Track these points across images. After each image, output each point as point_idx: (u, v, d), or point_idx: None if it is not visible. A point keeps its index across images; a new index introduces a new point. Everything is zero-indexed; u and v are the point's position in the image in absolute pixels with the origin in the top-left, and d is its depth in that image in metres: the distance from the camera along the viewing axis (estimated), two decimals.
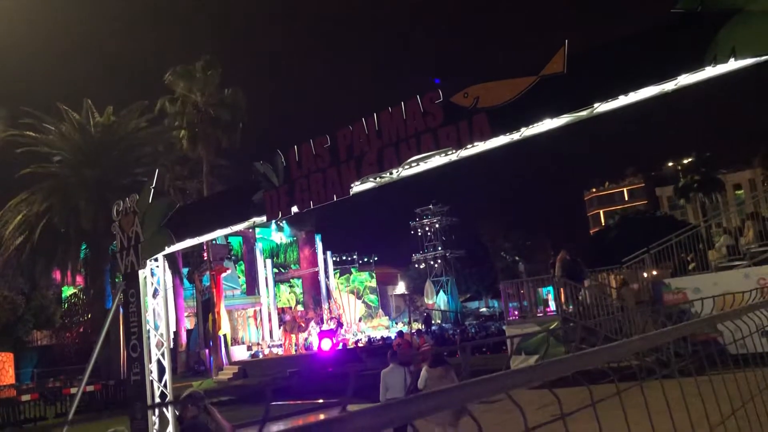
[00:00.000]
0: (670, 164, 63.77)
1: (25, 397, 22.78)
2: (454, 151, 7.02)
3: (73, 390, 22.41)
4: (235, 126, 38.05)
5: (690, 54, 5.52)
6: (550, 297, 22.13)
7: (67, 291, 41.65)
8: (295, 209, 8.23)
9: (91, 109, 32.34)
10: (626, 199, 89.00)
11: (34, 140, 31.50)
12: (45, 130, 31.67)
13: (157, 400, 10.01)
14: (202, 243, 36.09)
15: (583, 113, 6.39)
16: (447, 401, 1.09)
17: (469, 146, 6.89)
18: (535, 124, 6.55)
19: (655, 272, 20.45)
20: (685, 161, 53.89)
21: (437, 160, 7.36)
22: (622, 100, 6.11)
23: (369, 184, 7.90)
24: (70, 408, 11.44)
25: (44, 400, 22.45)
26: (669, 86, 5.86)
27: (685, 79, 5.76)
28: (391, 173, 7.60)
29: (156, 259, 10.34)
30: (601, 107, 6.26)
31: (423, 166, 7.53)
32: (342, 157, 7.72)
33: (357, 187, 7.88)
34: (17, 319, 34.87)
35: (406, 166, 7.41)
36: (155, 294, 10.64)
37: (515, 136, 6.79)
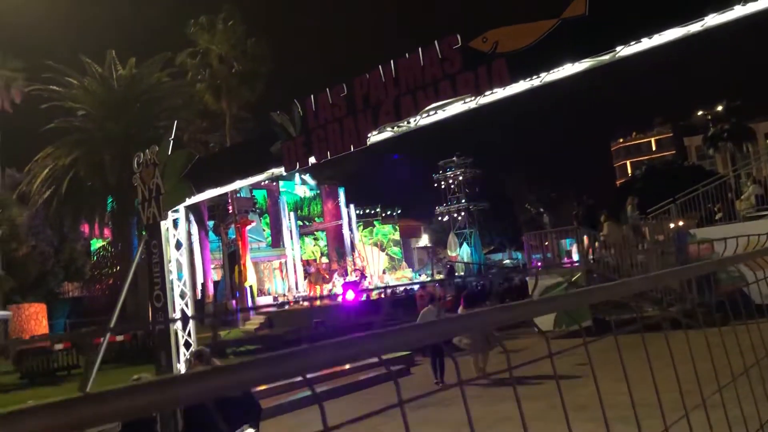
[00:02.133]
0: (700, 113, 62.28)
1: (58, 346, 23.43)
2: (472, 98, 6.88)
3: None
4: (259, 77, 37.84)
5: None
6: (574, 248, 22.04)
7: (96, 244, 42.39)
8: (312, 160, 8.19)
9: (114, 61, 32.34)
10: (654, 149, 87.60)
11: (57, 94, 31.68)
12: (68, 84, 31.80)
13: (182, 348, 10.22)
14: (227, 196, 36.44)
15: (606, 57, 6.19)
16: (471, 324, 1.22)
17: (488, 93, 6.74)
18: (556, 69, 6.37)
19: (681, 222, 20.20)
20: (716, 110, 52.57)
21: (456, 108, 7.23)
22: (646, 43, 5.90)
23: (386, 134, 7.81)
24: (99, 356, 11.75)
25: (76, 349, 23.06)
26: (695, 27, 5.64)
27: (713, 20, 5.53)
28: (408, 122, 7.50)
29: (177, 211, 10.42)
30: (623, 51, 6.06)
31: (441, 115, 7.40)
32: (359, 106, 7.63)
33: (374, 137, 7.79)
34: (48, 270, 35.68)
35: (424, 115, 7.29)
36: (178, 245, 10.76)
37: (535, 81, 6.62)
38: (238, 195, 37.44)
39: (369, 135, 7.68)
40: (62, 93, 31.68)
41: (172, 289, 10.37)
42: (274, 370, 0.85)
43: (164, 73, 33.34)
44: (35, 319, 31.41)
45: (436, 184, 61.56)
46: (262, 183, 42.82)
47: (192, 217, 35.34)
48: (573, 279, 18.98)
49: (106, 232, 36.32)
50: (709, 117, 52.38)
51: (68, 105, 31.72)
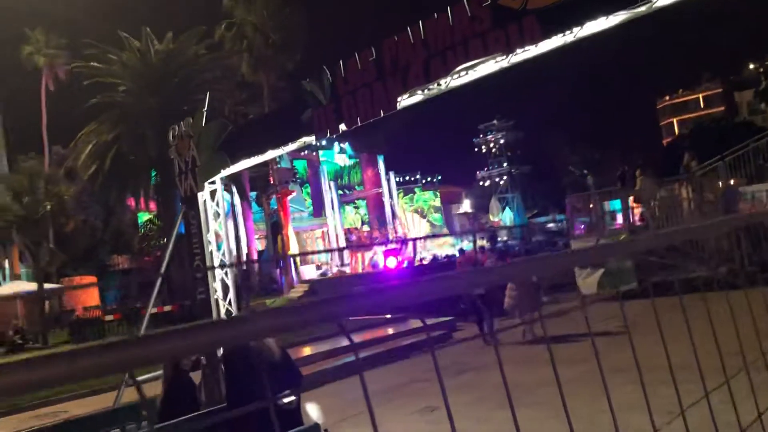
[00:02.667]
0: (751, 66, 59.93)
1: (109, 317, 24.21)
2: (504, 56, 6.68)
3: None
4: (295, 47, 37.78)
5: None
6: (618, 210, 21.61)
7: (143, 217, 43.32)
8: (343, 127, 8.11)
9: (150, 36, 32.61)
10: (702, 106, 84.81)
11: (98, 71, 32.16)
12: (108, 60, 32.23)
13: (223, 317, 10.39)
14: (268, 167, 36.72)
15: (642, 8, 5.91)
16: (515, 273, 1.22)
17: (519, 51, 6.54)
18: (589, 24, 6.12)
19: (731, 181, 19.58)
20: None
21: (487, 68, 7.03)
22: None
23: (417, 97, 7.67)
24: (145, 326, 12.05)
25: (126, 320, 23.78)
26: None
27: None
28: (439, 84, 7.34)
29: (214, 182, 10.49)
30: (660, 1, 5.78)
31: (472, 75, 7.22)
32: (388, 69, 7.49)
33: (405, 101, 7.66)
34: (97, 243, 36.65)
35: (455, 76, 7.12)
36: (216, 216, 10.85)
37: (568, 37, 6.38)
38: (279, 166, 37.70)
39: (399, 99, 7.56)
40: (102, 69, 32.15)
41: (212, 260, 10.50)
42: (311, 314, 0.88)
43: (201, 46, 33.51)
44: (87, 290, 32.43)
45: (476, 149, 60.98)
46: (302, 153, 43.01)
47: (234, 189, 35.78)
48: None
49: (152, 205, 37.07)
50: (762, 70, 50.32)
51: (109, 81, 32.20)
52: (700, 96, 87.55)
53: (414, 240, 38.44)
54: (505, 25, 6.45)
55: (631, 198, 19.98)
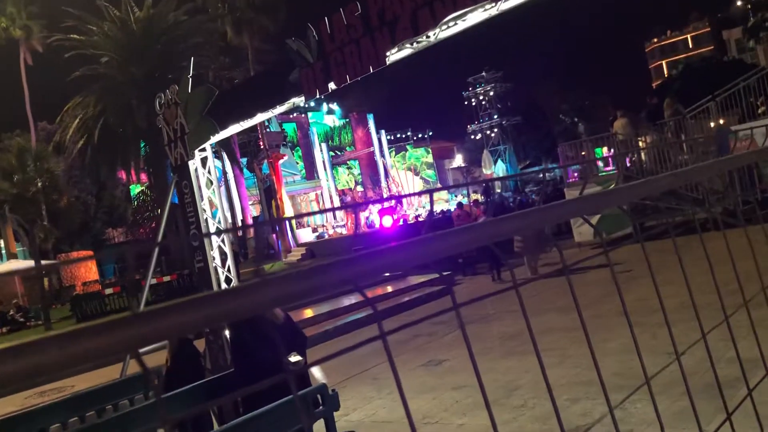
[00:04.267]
0: (739, 3, 59.23)
1: (108, 291, 24.24)
2: (493, 3, 6.54)
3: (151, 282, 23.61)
4: (278, 7, 37.11)
5: None
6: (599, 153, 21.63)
7: (135, 189, 43.10)
8: (332, 85, 7.98)
9: (129, 3, 31.95)
10: (691, 46, 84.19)
11: (79, 43, 31.59)
12: (89, 31, 31.62)
13: (223, 285, 10.37)
14: (257, 132, 36.42)
15: None
16: (520, 224, 1.20)
17: None
18: None
19: (721, 121, 19.52)
20: None
21: (476, 16, 6.89)
22: None
23: (406, 51, 7.53)
24: (145, 297, 12.07)
25: (126, 292, 23.82)
26: None
27: None
28: (428, 36, 7.19)
29: (204, 149, 10.37)
30: None
31: (461, 25, 7.07)
32: (374, 24, 7.33)
33: (394, 56, 7.52)
34: (90, 218, 36.51)
35: (444, 27, 6.98)
36: (209, 184, 10.77)
37: None
38: (268, 130, 37.40)
39: (388, 54, 7.42)
40: (84, 41, 31.57)
41: (208, 228, 10.45)
42: (324, 278, 0.84)
43: (182, 11, 32.87)
44: (85, 265, 32.40)
45: (466, 102, 60.53)
46: (291, 116, 42.63)
47: (225, 155, 35.54)
48: (610, 187, 18.64)
49: (144, 176, 36.83)
50: (749, 6, 49.74)
51: (90, 52, 31.66)
52: (689, 36, 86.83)
53: (406, 196, 38.47)
54: None
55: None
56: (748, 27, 47.58)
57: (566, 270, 1.30)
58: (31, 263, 28.82)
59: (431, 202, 1.24)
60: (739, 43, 63.39)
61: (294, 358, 5.51)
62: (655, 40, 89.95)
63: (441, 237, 1.03)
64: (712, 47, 75.18)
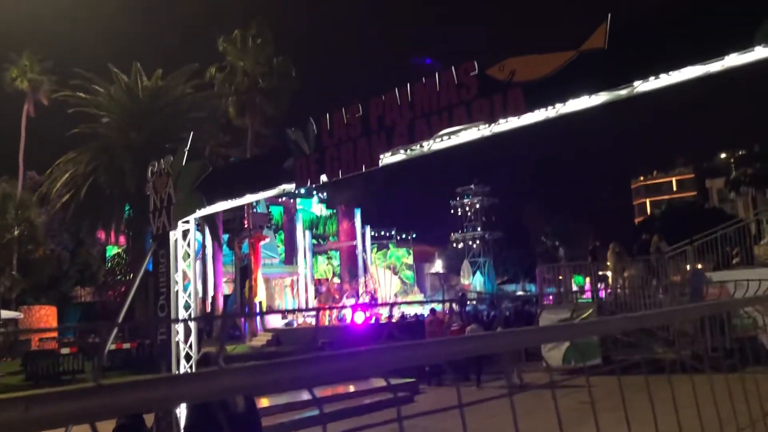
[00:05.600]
0: (723, 156, 61.77)
1: (65, 350, 23.50)
2: (487, 125, 6.83)
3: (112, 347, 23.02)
4: (283, 95, 38.17)
5: (739, 33, 5.21)
6: (586, 284, 21.82)
7: (111, 250, 42.68)
8: (324, 178, 8.16)
9: (139, 72, 32.79)
10: (674, 189, 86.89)
11: (84, 101, 32.16)
12: (95, 91, 32.27)
13: (182, 360, 10.15)
14: (243, 211, 36.57)
15: (623, 92, 6.12)
16: (481, 346, 1.20)
17: (502, 121, 6.69)
18: (572, 101, 6.31)
19: (699, 265, 19.91)
20: (739, 154, 52.09)
21: (470, 134, 7.18)
22: (664, 80, 5.82)
23: (399, 156, 7.77)
24: (103, 362, 11.74)
25: (83, 354, 23.12)
26: (715, 67, 5.56)
27: (733, 60, 5.44)
28: (421, 145, 7.46)
29: (188, 222, 10.41)
30: (641, 86, 5.98)
31: (455, 140, 7.35)
32: (373, 127, 7.60)
33: (387, 159, 7.75)
34: (62, 273, 35.89)
35: (438, 139, 7.25)
36: (186, 256, 10.74)
37: (551, 112, 6.55)
38: (255, 210, 37.59)
39: (382, 156, 7.65)
40: (88, 100, 32.14)
41: (177, 301, 10.33)
42: (282, 374, 0.88)
43: (189, 85, 33.74)
44: (45, 321, 31.59)
45: (452, 210, 61.46)
46: (280, 199, 42.99)
47: (207, 229, 35.50)
48: (584, 315, 18.70)
49: (122, 239, 36.56)
50: (732, 160, 51.86)
51: (93, 111, 32.16)
52: (674, 179, 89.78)
53: (392, 305, 38.30)
54: (491, 95, 6.61)
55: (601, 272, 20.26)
56: (731, 179, 49.36)
57: (553, 386, 1.34)
58: None
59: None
60: (721, 193, 65.55)
61: None
62: (642, 178, 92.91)
63: (407, 347, 1.06)
64: (695, 193, 77.66)
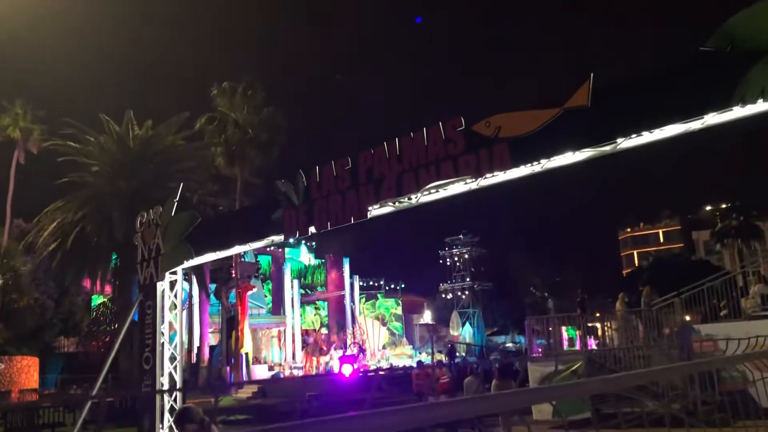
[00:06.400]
0: (708, 208, 62.53)
1: (46, 403, 23.00)
2: (473, 179, 6.93)
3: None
4: (273, 146, 38.43)
5: (718, 93, 5.37)
6: (576, 336, 21.76)
7: (97, 300, 42.18)
8: (312, 229, 8.21)
9: (131, 121, 33.00)
10: (661, 241, 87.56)
11: (74, 150, 32.22)
12: (85, 140, 32.38)
13: (167, 414, 9.98)
14: (231, 260, 36.39)
15: (607, 148, 6.26)
16: (471, 408, 1.23)
17: (488, 175, 6.79)
18: (557, 157, 6.43)
19: (687, 317, 19.90)
20: (723, 206, 52.78)
21: (457, 188, 7.28)
22: (647, 137, 5.97)
23: (387, 209, 7.85)
24: (84, 415, 11.52)
25: (64, 407, 22.61)
26: (695, 125, 5.71)
27: (713, 119, 5.59)
28: (409, 198, 7.54)
29: (175, 272, 10.38)
30: (625, 143, 6.12)
31: (442, 193, 7.45)
32: (362, 179, 7.70)
33: (375, 211, 7.83)
34: (45, 323, 35.36)
35: (425, 192, 7.34)
36: (173, 307, 10.66)
37: (536, 167, 6.68)
38: (243, 260, 37.41)
39: (370, 208, 7.72)
40: (78, 148, 32.21)
41: (162, 352, 10.22)
42: None
43: (179, 135, 33.95)
44: (27, 372, 30.96)
45: (441, 260, 61.43)
46: (268, 248, 42.86)
47: (194, 279, 35.24)
48: (574, 368, 18.57)
49: (108, 288, 36.18)
50: (717, 213, 52.48)
51: (82, 160, 32.21)
52: (660, 231, 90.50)
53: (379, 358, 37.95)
54: (477, 151, 6.74)
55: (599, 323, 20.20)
56: (716, 231, 49.85)
57: None
58: None
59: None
60: (707, 245, 66.07)
61: None
62: (629, 229, 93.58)
63: (399, 412, 1.06)
64: (681, 245, 78.21)
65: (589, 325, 22.51)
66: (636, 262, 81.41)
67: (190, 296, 37.75)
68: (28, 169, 45.65)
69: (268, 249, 43.10)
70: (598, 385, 1.51)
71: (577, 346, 21.65)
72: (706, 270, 31.10)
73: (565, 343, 22.02)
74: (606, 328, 19.69)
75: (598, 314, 20.75)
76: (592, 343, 21.45)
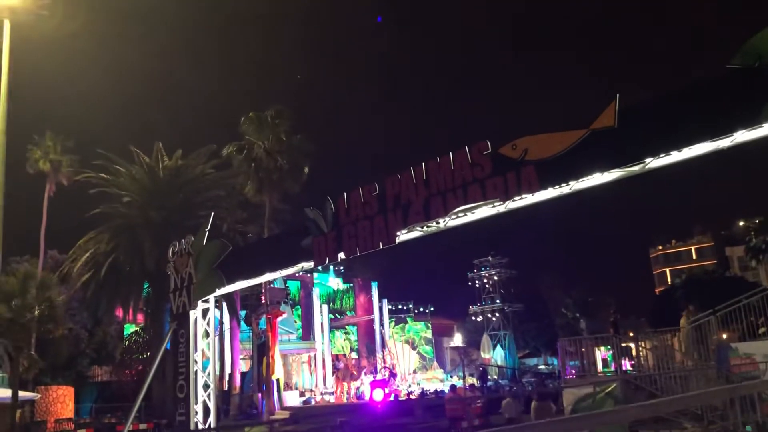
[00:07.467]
0: (741, 223, 61.38)
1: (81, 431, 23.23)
2: (501, 202, 6.94)
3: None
4: (301, 172, 38.73)
5: (746, 110, 5.33)
6: (609, 357, 21.37)
7: (129, 328, 42.62)
8: (342, 255, 8.26)
9: (161, 152, 33.59)
10: (694, 258, 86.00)
11: (105, 181, 32.86)
12: (116, 171, 33.01)
13: None
14: (261, 286, 36.60)
15: (635, 168, 6.23)
16: None
17: (516, 198, 6.79)
18: (585, 178, 6.42)
19: (725, 335, 19.50)
20: (757, 221, 51.77)
21: (484, 211, 7.29)
22: (675, 156, 5.93)
23: (415, 233, 7.88)
24: None
25: None
26: (725, 143, 5.67)
27: (742, 136, 5.55)
28: (437, 222, 7.57)
29: (207, 301, 10.49)
30: (653, 163, 6.09)
31: (470, 217, 7.46)
32: (389, 205, 7.75)
33: (403, 236, 7.86)
34: (79, 353, 35.78)
35: (453, 216, 7.36)
36: (206, 335, 10.76)
37: (564, 189, 6.66)
38: (272, 285, 37.57)
39: (398, 233, 7.75)
40: (109, 180, 32.84)
41: (196, 380, 10.29)
42: None
43: (208, 164, 34.43)
44: (62, 402, 31.28)
45: (470, 283, 60.95)
46: (296, 274, 43.04)
47: (225, 306, 35.47)
48: (608, 390, 18.24)
49: (140, 317, 36.57)
50: (751, 228, 51.46)
51: (114, 191, 32.81)
52: (693, 248, 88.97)
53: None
54: (504, 173, 6.75)
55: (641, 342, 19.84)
56: (750, 246, 48.84)
57: None
58: (8, 392, 27.88)
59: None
60: (741, 260, 64.73)
61: None
62: (660, 247, 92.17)
63: None
64: (714, 261, 76.73)
65: (623, 345, 22.13)
66: (669, 279, 79.99)
67: (221, 323, 37.98)
68: (61, 201, 46.51)
69: (296, 274, 43.29)
70: (637, 411, 1.52)
71: (612, 367, 21.27)
72: (741, 286, 30.47)
73: (600, 364, 21.63)
74: (641, 348, 19.33)
75: (631, 334, 20.39)
76: (627, 364, 21.08)
